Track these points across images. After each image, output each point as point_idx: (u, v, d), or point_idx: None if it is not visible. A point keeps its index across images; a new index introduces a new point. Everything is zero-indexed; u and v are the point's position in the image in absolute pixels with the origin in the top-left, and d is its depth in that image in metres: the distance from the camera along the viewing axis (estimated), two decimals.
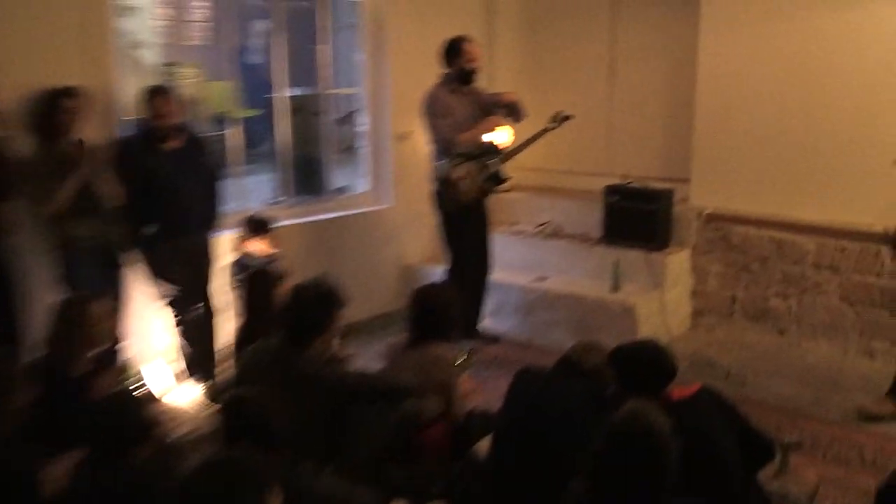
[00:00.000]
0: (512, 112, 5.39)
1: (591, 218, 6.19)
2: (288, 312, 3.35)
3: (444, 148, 5.27)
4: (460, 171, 5.35)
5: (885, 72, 5.24)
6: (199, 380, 4.91)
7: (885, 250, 5.11)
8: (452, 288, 4.22)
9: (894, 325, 5.41)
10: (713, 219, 6.01)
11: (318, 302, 3.29)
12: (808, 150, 5.58)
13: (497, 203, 6.13)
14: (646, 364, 2.90)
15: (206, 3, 10.38)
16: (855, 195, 5.39)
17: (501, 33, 7.01)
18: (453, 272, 5.47)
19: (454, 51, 5.32)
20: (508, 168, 5.63)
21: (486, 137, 5.35)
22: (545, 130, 5.64)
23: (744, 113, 5.82)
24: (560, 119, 5.68)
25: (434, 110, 5.28)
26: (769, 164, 5.78)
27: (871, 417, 4.53)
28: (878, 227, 4.94)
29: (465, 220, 5.47)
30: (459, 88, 5.38)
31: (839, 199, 5.37)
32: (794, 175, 5.59)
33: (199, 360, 4.91)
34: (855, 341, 5.46)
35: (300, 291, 3.37)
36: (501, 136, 5.42)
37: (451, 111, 5.29)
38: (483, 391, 4.12)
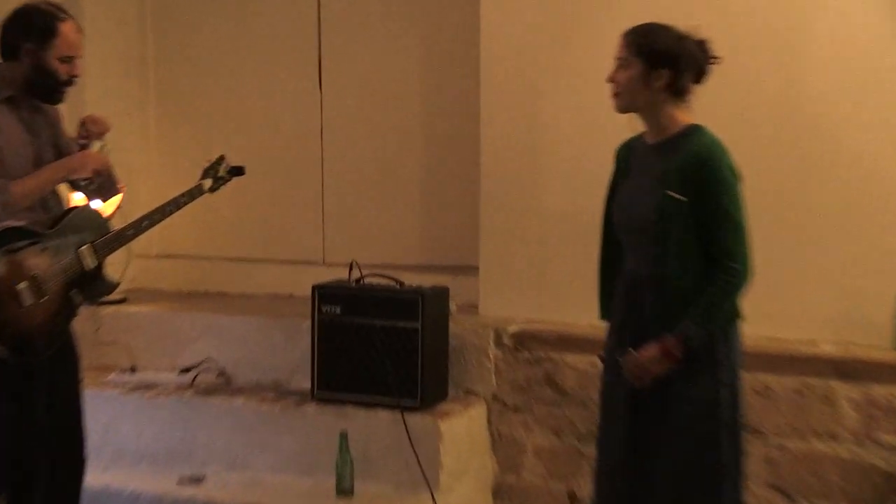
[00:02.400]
0: (101, 185, 4.24)
1: (291, 350, 4.85)
2: None
3: None
4: (19, 268, 3.88)
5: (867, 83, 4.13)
6: None
7: (842, 391, 4.15)
8: None
9: None
10: (526, 342, 4.62)
11: None
12: None
13: (95, 328, 5.08)
14: None
15: None
16: (783, 290, 4.27)
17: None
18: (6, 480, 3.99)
19: (34, 30, 3.82)
20: (117, 259, 4.24)
21: (73, 194, 4.30)
22: (194, 193, 4.29)
23: (573, 150, 4.56)
24: (223, 174, 4.31)
25: None
26: None
27: None
28: (829, 347, 4.23)
29: (26, 371, 3.95)
30: (28, 103, 3.95)
31: (755, 298, 3.96)
32: None
33: None
34: None
35: None
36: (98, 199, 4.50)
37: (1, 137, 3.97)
38: None
